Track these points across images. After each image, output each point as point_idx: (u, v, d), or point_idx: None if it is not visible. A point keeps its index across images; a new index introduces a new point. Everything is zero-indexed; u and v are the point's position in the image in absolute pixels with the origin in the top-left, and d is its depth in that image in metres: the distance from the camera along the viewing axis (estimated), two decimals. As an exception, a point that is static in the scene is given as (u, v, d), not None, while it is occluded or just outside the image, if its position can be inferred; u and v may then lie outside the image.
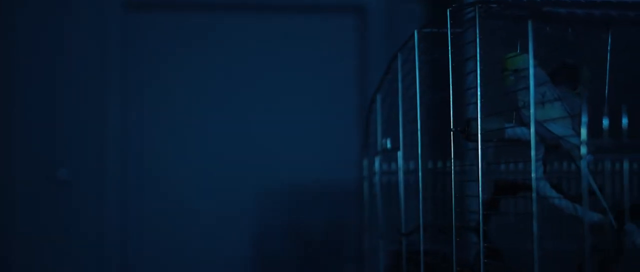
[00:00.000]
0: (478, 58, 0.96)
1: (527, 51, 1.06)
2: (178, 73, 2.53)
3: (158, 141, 2.53)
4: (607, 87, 1.12)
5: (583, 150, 0.84)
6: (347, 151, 2.51)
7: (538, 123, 1.02)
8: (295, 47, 2.56)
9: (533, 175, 0.86)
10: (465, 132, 1.01)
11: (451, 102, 1.04)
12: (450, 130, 1.03)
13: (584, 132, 0.83)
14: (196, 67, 2.53)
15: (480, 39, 0.98)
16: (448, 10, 1.04)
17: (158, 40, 2.52)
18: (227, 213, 2.52)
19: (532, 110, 0.87)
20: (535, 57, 1.07)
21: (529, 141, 1.03)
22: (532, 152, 0.87)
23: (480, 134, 0.98)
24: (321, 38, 2.56)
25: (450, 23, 1.04)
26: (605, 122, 0.94)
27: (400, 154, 1.23)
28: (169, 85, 2.53)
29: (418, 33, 1.15)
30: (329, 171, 2.49)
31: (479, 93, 0.96)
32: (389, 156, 1.34)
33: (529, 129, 1.02)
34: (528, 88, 1.01)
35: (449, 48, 1.04)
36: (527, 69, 1.02)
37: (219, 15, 2.56)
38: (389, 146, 1.29)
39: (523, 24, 1.10)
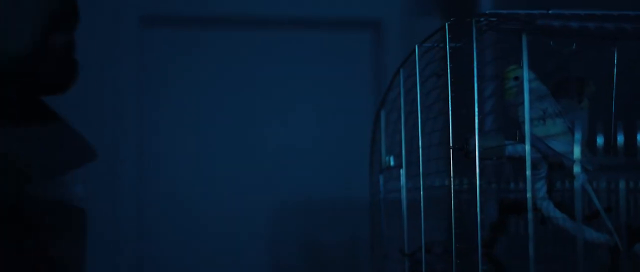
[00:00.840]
0: (475, 73, 0.93)
1: (530, 65, 1.02)
2: (193, 88, 2.52)
3: (173, 156, 2.52)
4: (614, 102, 1.09)
5: (576, 168, 0.81)
6: (362, 168, 2.48)
7: (539, 140, 0.98)
8: (311, 62, 2.54)
9: (528, 194, 0.82)
10: (464, 149, 0.98)
11: (450, 119, 1.01)
12: (450, 147, 1.00)
13: (577, 149, 0.79)
14: (212, 83, 2.52)
15: (478, 53, 0.95)
16: (446, 24, 1.01)
17: (173, 56, 2.52)
18: (240, 228, 2.50)
19: (527, 126, 0.84)
20: (536, 71, 1.04)
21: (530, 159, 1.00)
22: (528, 171, 0.84)
23: (480, 151, 0.95)
24: (337, 54, 2.53)
25: (449, 37, 1.01)
26: (601, 139, 0.91)
27: (402, 172, 1.20)
28: (183, 101, 2.52)
29: (419, 47, 1.13)
30: (343, 188, 2.47)
31: (476, 109, 0.92)
32: (398, 173, 1.31)
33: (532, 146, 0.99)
34: (530, 103, 0.98)
35: (448, 62, 1.01)
36: (529, 80, 0.99)
37: (235, 31, 2.55)
38: (392, 163, 1.26)
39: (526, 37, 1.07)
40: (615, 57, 1.08)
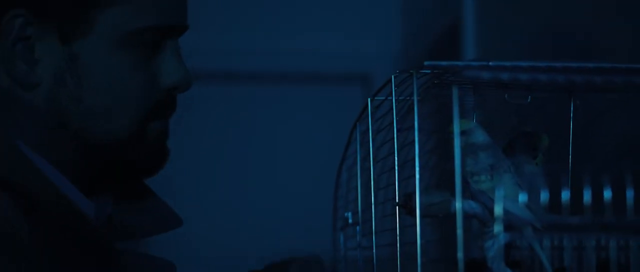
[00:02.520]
0: (416, 126, 0.89)
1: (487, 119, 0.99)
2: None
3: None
4: (570, 157, 1.05)
5: (497, 228, 0.77)
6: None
7: (485, 195, 0.94)
8: (301, 116, 2.53)
9: (459, 254, 0.78)
10: (407, 206, 0.94)
11: (396, 173, 0.97)
12: (395, 204, 0.96)
13: (498, 208, 0.75)
14: (205, 138, 2.50)
15: (419, 106, 0.92)
16: (392, 76, 0.98)
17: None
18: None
19: (457, 180, 0.80)
20: (485, 126, 1.01)
21: (477, 216, 0.96)
22: (459, 230, 0.79)
23: (423, 208, 0.91)
24: (327, 107, 2.51)
25: (395, 90, 0.98)
26: (565, 195, 0.87)
27: (358, 228, 1.16)
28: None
29: (371, 101, 1.10)
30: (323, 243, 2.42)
31: (417, 162, 0.89)
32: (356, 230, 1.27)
33: (477, 201, 0.96)
34: (476, 156, 0.95)
35: (394, 116, 0.98)
36: (475, 134, 0.96)
37: (220, 86, 2.54)
38: (350, 220, 1.22)
39: (479, 91, 1.04)
40: (571, 110, 1.04)
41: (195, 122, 2.51)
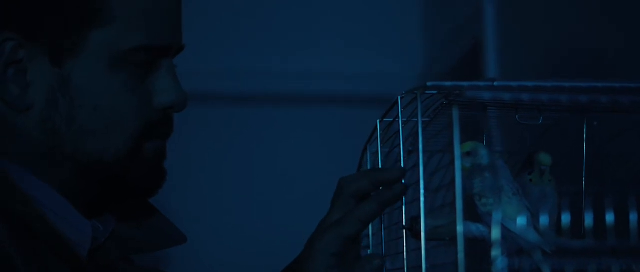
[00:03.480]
0: (421, 148, 0.88)
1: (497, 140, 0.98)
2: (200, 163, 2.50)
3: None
4: (584, 180, 1.03)
5: (495, 252, 0.75)
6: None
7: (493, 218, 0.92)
8: (322, 138, 2.52)
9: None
10: (414, 229, 0.92)
11: (404, 197, 0.96)
12: (402, 227, 0.95)
13: (496, 231, 0.73)
14: (218, 158, 2.50)
15: (426, 126, 0.91)
16: (398, 97, 0.96)
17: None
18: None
19: (458, 203, 0.78)
20: (504, 147, 0.99)
21: (486, 240, 0.94)
22: (460, 254, 0.78)
23: (428, 231, 0.89)
24: (348, 129, 2.50)
25: (402, 111, 0.97)
26: (566, 218, 0.85)
27: (369, 253, 1.14)
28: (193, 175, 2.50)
29: (380, 122, 1.08)
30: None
31: (421, 185, 0.87)
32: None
33: (485, 224, 0.94)
34: (483, 178, 0.93)
35: (401, 137, 0.97)
36: (481, 155, 0.94)
37: (250, 108, 2.53)
38: (363, 243, 1.20)
39: (487, 111, 1.02)
40: (585, 132, 1.02)
41: (209, 142, 2.51)
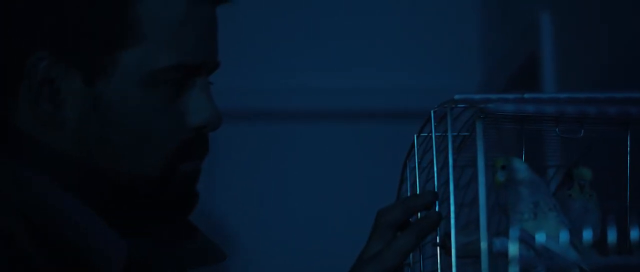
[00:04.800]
0: (451, 163, 0.86)
1: (525, 155, 0.95)
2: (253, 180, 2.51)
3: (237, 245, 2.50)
4: (629, 193, 0.99)
5: (512, 269, 0.72)
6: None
7: (530, 236, 0.90)
8: (362, 153, 2.50)
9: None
10: (445, 246, 0.90)
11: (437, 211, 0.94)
12: (434, 244, 0.93)
13: (513, 248, 0.71)
14: (256, 175, 2.50)
15: (461, 141, 0.88)
16: (431, 111, 0.95)
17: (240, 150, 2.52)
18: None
19: (482, 218, 0.76)
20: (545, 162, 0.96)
21: (521, 257, 0.91)
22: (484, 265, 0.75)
23: (459, 248, 0.87)
24: (385, 144, 2.48)
25: (434, 125, 0.95)
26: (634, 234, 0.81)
27: (408, 270, 1.12)
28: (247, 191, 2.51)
29: (417, 137, 1.06)
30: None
31: (451, 201, 0.85)
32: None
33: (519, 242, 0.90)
34: (518, 193, 0.90)
35: (434, 151, 0.95)
36: (516, 169, 0.91)
37: (292, 124, 2.53)
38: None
39: (526, 125, 0.99)
40: (628, 144, 0.98)
41: (248, 160, 2.51)
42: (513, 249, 0.74)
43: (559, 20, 2.03)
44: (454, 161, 1.04)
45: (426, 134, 1.03)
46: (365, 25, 2.57)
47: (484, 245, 0.77)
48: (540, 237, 0.88)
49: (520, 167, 0.92)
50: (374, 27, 2.57)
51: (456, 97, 0.84)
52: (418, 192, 1.03)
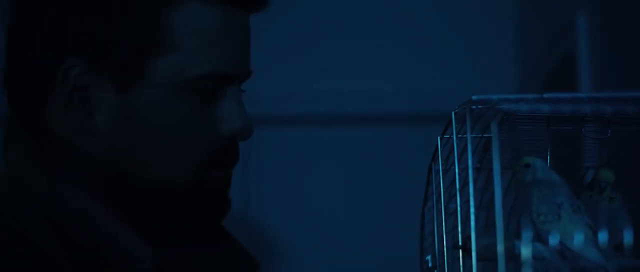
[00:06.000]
0: (470, 164, 0.85)
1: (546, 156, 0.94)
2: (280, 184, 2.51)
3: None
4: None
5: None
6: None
7: (554, 237, 0.88)
8: (388, 156, 2.49)
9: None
10: (467, 248, 0.89)
11: (459, 214, 0.93)
12: (456, 246, 0.91)
13: (526, 250, 0.69)
14: (284, 180, 2.50)
15: (477, 143, 0.87)
16: (452, 112, 0.93)
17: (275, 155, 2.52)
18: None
19: (499, 223, 0.75)
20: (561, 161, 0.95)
21: (545, 259, 0.90)
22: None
23: (479, 250, 0.86)
24: (417, 147, 2.47)
25: (456, 126, 0.94)
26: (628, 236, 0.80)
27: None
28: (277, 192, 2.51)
29: (441, 139, 1.05)
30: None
31: (472, 203, 0.84)
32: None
33: (545, 244, 0.89)
34: (542, 194, 0.89)
35: (456, 153, 0.94)
36: (540, 170, 0.90)
37: (319, 128, 2.54)
38: (430, 264, 1.17)
39: (552, 126, 0.98)
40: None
41: (274, 164, 2.51)
42: (526, 251, 0.73)
43: (595, 20, 2.00)
44: (479, 162, 1.03)
45: (448, 136, 1.02)
46: (403, 28, 2.56)
47: (500, 247, 0.76)
48: (563, 239, 0.86)
49: (542, 167, 0.90)
50: (410, 30, 2.56)
51: (474, 98, 0.82)
52: (442, 196, 1.02)
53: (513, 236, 0.90)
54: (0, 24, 0.95)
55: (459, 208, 0.92)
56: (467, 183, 0.88)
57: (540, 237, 0.90)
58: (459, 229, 0.92)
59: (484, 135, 0.99)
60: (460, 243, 0.91)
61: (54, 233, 0.87)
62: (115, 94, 0.90)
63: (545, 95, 0.79)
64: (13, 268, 0.84)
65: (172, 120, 0.91)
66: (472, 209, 0.83)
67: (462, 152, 1.04)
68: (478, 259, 0.85)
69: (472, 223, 0.83)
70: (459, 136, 1.03)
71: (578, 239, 0.85)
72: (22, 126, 0.93)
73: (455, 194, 1.00)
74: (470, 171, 0.84)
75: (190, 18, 0.90)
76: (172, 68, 0.90)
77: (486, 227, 0.93)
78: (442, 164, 1.04)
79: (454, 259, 0.97)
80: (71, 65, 0.90)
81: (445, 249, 1.03)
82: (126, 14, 0.90)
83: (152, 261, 0.92)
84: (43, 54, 0.91)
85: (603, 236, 0.82)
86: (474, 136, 0.87)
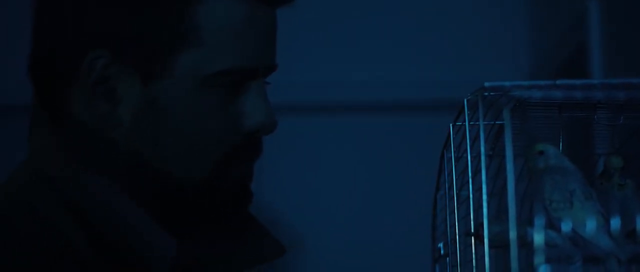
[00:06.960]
0: (483, 151, 0.85)
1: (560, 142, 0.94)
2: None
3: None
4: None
5: (537, 259, 0.71)
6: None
7: (566, 224, 0.88)
8: (400, 144, 2.49)
9: None
10: (479, 235, 0.89)
11: (471, 201, 0.93)
12: (468, 233, 0.92)
13: (539, 237, 0.69)
14: (298, 169, 2.51)
15: (490, 130, 0.87)
16: (464, 99, 0.93)
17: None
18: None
19: (511, 210, 0.75)
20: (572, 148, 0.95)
21: (557, 246, 0.90)
22: (513, 262, 0.74)
23: (493, 237, 0.86)
24: (428, 135, 2.47)
25: (468, 113, 0.94)
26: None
27: (448, 260, 1.11)
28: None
29: (453, 126, 1.05)
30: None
31: (484, 190, 0.84)
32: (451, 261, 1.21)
33: (557, 231, 0.89)
34: (554, 181, 0.89)
35: (468, 140, 0.94)
36: (553, 157, 0.90)
37: (328, 117, 2.54)
38: (442, 251, 1.17)
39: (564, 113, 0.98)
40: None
41: (287, 154, 2.51)
42: (538, 238, 0.73)
43: (607, 10, 2.00)
44: (492, 149, 1.03)
45: (460, 123, 1.02)
46: (416, 17, 2.56)
47: (512, 234, 0.76)
48: (575, 226, 0.86)
49: (557, 155, 0.91)
50: (423, 18, 2.57)
51: (486, 84, 0.82)
52: (454, 183, 1.02)
53: (525, 223, 0.90)
54: (26, 13, 0.95)
55: (471, 195, 0.93)
56: (480, 170, 0.88)
57: (552, 224, 0.90)
58: (471, 216, 0.92)
59: (497, 122, 0.99)
60: (472, 230, 0.92)
61: (77, 223, 0.87)
62: (140, 87, 0.90)
63: (558, 82, 0.79)
64: (33, 257, 0.84)
65: (196, 114, 0.90)
66: (484, 196, 0.84)
67: (475, 140, 1.05)
68: (490, 246, 0.85)
69: (485, 210, 0.83)
70: (472, 123, 1.03)
71: (590, 226, 0.85)
72: (46, 114, 0.93)
73: (467, 182, 1.01)
74: (482, 158, 0.84)
75: (216, 12, 0.90)
76: (196, 62, 0.89)
77: (498, 214, 0.93)
78: (454, 152, 1.04)
79: (466, 246, 0.98)
80: (97, 56, 0.89)
81: (457, 236, 1.03)
82: (153, 7, 0.89)
83: (175, 252, 0.92)
84: (69, 45, 0.91)
85: (615, 223, 0.82)
86: (486, 122, 0.87)
